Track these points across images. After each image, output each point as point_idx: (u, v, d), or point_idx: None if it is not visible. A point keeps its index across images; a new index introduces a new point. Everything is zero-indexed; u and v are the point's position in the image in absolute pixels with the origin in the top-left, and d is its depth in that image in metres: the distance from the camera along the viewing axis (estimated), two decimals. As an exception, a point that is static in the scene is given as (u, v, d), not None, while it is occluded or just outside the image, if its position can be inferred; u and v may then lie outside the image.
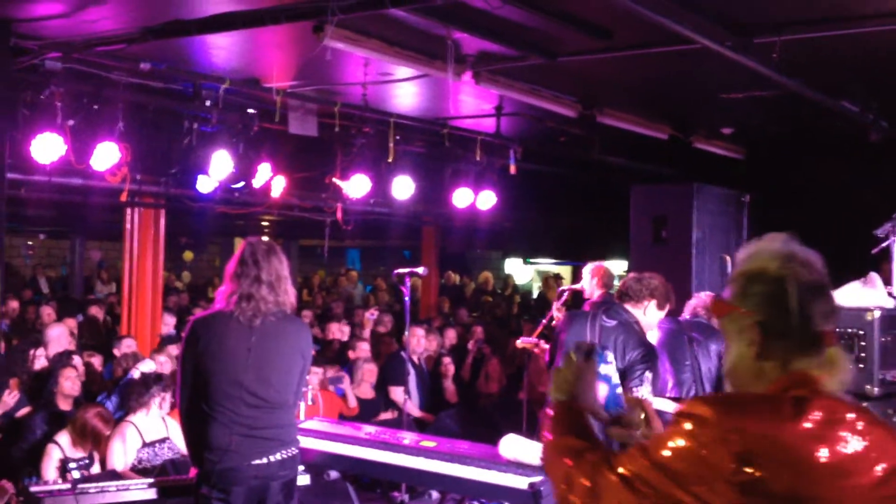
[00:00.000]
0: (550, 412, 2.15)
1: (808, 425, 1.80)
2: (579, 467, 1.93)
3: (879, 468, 1.84)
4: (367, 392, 8.24)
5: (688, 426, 1.80)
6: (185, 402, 4.05)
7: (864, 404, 4.36)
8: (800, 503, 1.75)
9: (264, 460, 4.00)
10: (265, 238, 4.33)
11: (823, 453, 1.78)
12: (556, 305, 6.87)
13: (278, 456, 4.04)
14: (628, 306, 5.23)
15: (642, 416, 2.32)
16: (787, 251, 1.97)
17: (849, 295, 4.62)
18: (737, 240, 9.43)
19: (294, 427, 4.21)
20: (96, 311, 11.39)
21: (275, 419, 4.05)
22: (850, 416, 1.86)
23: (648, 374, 5.01)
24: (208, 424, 3.98)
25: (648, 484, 1.81)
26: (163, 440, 5.94)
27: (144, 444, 5.88)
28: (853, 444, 1.82)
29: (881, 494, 1.83)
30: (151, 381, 6.05)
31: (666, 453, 1.81)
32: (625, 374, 4.95)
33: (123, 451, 5.82)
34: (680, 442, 1.80)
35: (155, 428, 5.99)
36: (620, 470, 1.85)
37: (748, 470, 1.73)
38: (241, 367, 3.99)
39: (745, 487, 1.73)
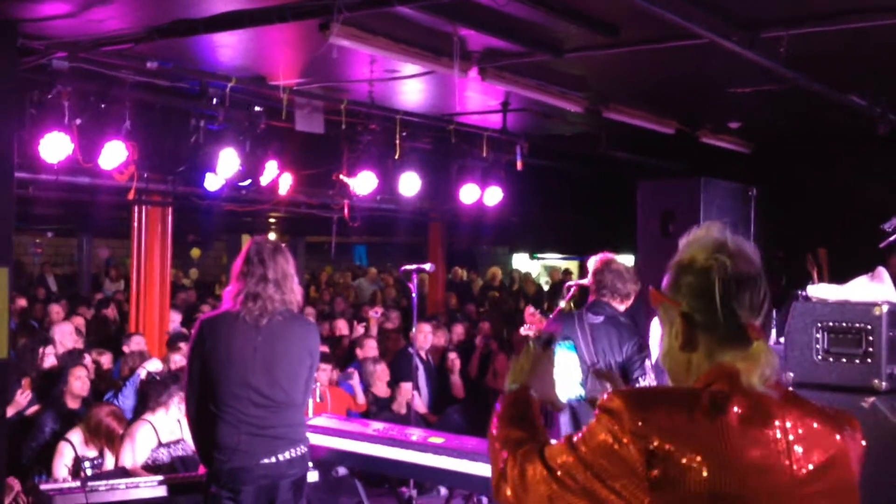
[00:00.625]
0: (499, 402, 2.11)
1: (724, 421, 1.76)
2: (514, 457, 1.90)
3: (806, 463, 1.81)
4: (384, 390, 8.28)
5: (604, 420, 1.78)
6: (193, 402, 4.06)
7: (872, 399, 4.36)
8: (715, 500, 1.72)
9: (273, 459, 4.01)
10: (271, 236, 4.34)
11: (739, 449, 1.75)
12: (528, 310, 6.73)
13: (287, 455, 4.05)
14: (615, 303, 5.23)
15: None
16: (718, 241, 1.94)
17: (856, 290, 4.61)
18: (744, 234, 9.35)
19: (303, 426, 4.22)
20: (106, 309, 11.45)
21: (283, 418, 4.06)
22: (774, 410, 1.82)
23: (648, 363, 5.06)
24: (216, 424, 3.99)
25: (573, 477, 1.78)
26: (177, 441, 5.97)
27: (160, 444, 5.91)
28: (773, 440, 1.79)
29: (809, 491, 1.80)
30: (170, 381, 6.08)
31: (585, 447, 1.78)
32: (625, 368, 5.00)
33: (137, 448, 5.85)
34: (597, 436, 1.77)
35: (171, 428, 6.02)
36: (549, 461, 1.83)
37: (659, 466, 1.71)
38: (248, 367, 4.00)
39: (656, 484, 1.71)
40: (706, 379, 1.86)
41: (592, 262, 7.00)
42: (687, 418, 1.75)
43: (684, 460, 1.71)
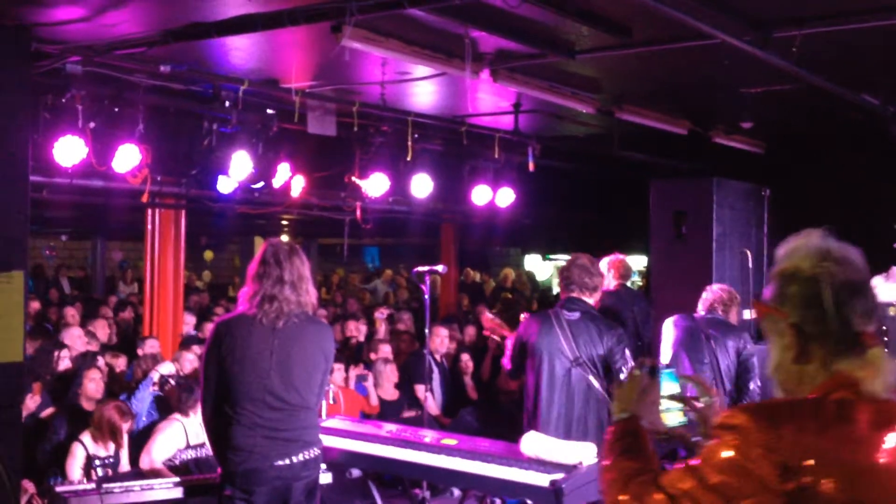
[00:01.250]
0: (610, 433, 2.09)
1: (852, 429, 1.74)
2: (629, 489, 1.87)
3: None
4: (390, 393, 8.27)
5: (729, 438, 1.75)
6: (209, 404, 4.08)
7: None
8: None
9: (287, 461, 4.02)
10: (284, 238, 4.35)
11: (871, 456, 1.72)
12: (485, 316, 6.69)
13: (301, 457, 4.05)
14: (585, 297, 5.27)
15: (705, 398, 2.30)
16: (822, 249, 1.91)
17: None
18: (757, 234, 9.39)
19: (317, 428, 4.23)
20: (124, 312, 11.53)
21: (297, 421, 4.07)
22: None
23: (628, 351, 5.18)
24: (231, 426, 4.00)
25: (696, 501, 1.75)
26: (202, 445, 6.01)
27: (188, 446, 5.95)
28: None
29: None
30: (196, 385, 6.10)
31: (711, 468, 1.75)
32: (606, 360, 5.07)
33: (164, 445, 5.88)
34: (723, 455, 1.74)
35: (198, 431, 6.05)
36: (668, 489, 1.80)
37: (794, 478, 1.68)
38: (264, 370, 4.01)
39: (793, 497, 1.68)
40: (824, 389, 1.82)
41: (606, 262, 7.04)
42: (815, 428, 1.73)
43: (818, 471, 1.69)
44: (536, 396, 5.06)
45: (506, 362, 5.43)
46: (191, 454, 5.94)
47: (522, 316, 5.64)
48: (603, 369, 5.09)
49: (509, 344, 5.42)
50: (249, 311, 4.05)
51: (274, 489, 4.00)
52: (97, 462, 5.80)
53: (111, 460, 5.90)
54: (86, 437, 5.88)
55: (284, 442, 4.03)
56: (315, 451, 4.15)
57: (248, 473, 3.98)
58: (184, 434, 5.99)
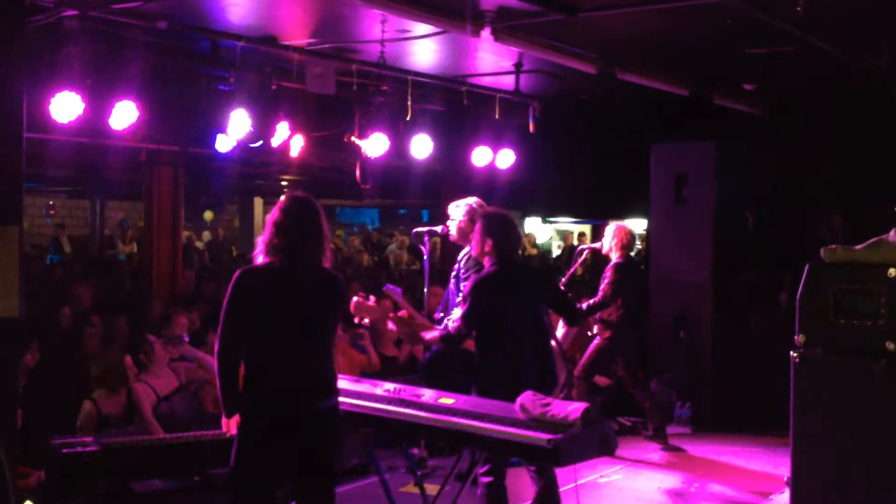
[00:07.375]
0: None
1: None
2: None
3: None
4: (390, 349, 8.32)
5: None
6: (226, 350, 4.11)
7: (885, 362, 4.33)
8: None
9: (303, 405, 4.09)
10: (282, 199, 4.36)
11: None
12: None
13: (316, 402, 4.13)
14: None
15: None
16: None
17: (872, 252, 4.57)
18: (759, 197, 9.35)
19: (333, 372, 4.30)
20: (120, 272, 11.54)
21: (313, 366, 4.15)
22: None
23: None
24: (249, 371, 4.07)
25: None
26: (175, 391, 6.03)
27: (160, 399, 5.97)
28: None
29: None
30: (156, 340, 6.14)
31: None
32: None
33: (141, 410, 5.90)
34: None
35: (166, 382, 6.07)
36: None
37: None
38: (283, 318, 4.08)
39: None
40: None
41: (611, 229, 6.98)
42: None
43: None
44: (506, 353, 5.00)
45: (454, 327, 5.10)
46: (165, 405, 5.96)
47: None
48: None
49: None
50: (271, 262, 4.10)
51: (289, 435, 4.06)
52: (110, 421, 5.80)
53: (122, 420, 5.91)
54: (96, 394, 5.88)
55: (301, 387, 4.10)
56: (333, 400, 4.24)
57: (264, 418, 4.05)
58: (151, 391, 6.00)
